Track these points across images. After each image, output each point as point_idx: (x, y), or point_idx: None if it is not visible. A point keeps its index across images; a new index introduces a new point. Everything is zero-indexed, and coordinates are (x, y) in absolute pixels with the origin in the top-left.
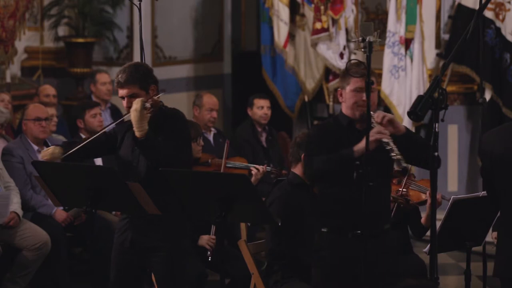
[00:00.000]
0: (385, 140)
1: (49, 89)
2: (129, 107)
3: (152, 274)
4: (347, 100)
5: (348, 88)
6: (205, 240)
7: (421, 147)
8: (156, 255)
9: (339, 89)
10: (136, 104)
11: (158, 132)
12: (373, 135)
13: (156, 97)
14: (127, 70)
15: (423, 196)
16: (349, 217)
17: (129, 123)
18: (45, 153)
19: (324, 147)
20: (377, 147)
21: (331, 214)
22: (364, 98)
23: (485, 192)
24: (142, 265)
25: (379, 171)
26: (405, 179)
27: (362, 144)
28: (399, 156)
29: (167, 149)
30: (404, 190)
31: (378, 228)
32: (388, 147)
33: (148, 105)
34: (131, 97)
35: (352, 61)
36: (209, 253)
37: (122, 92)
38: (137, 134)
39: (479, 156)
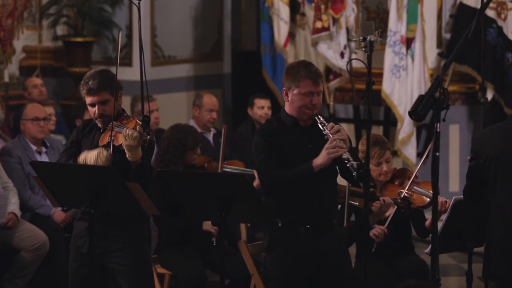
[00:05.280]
0: (344, 156)
1: (35, 80)
2: (100, 113)
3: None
4: (294, 102)
5: (297, 91)
6: (209, 224)
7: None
8: (116, 257)
9: (284, 88)
10: (133, 140)
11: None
12: (331, 152)
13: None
14: (97, 77)
15: (427, 200)
16: (301, 212)
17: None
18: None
19: (271, 152)
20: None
21: (283, 210)
22: (313, 102)
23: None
24: (103, 267)
25: (326, 172)
26: (409, 182)
27: (320, 160)
28: (353, 163)
29: (148, 166)
30: (407, 192)
31: (327, 222)
32: (346, 160)
33: (145, 137)
34: (102, 104)
35: (301, 61)
36: (213, 238)
37: (93, 99)
38: (130, 159)
39: (471, 154)
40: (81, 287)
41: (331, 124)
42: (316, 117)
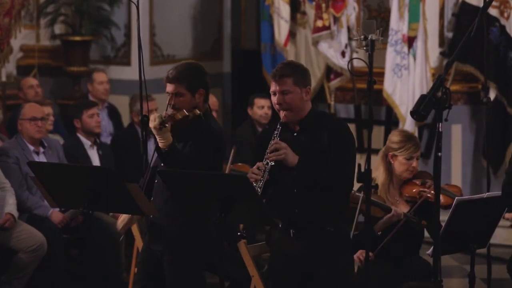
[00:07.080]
0: (255, 184)
1: (31, 80)
2: (172, 105)
3: None
4: None
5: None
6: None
7: (317, 179)
8: (165, 257)
9: None
10: (152, 123)
11: (184, 142)
12: (249, 175)
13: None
14: (178, 67)
15: (449, 201)
16: (284, 218)
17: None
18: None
19: (256, 155)
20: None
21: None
22: (277, 101)
23: (489, 193)
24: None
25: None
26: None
27: None
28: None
29: (189, 161)
30: (428, 193)
31: (317, 230)
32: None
33: (167, 124)
34: (176, 96)
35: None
36: None
37: (168, 88)
38: (160, 145)
39: None
40: (140, 281)
41: (276, 141)
42: (279, 123)
